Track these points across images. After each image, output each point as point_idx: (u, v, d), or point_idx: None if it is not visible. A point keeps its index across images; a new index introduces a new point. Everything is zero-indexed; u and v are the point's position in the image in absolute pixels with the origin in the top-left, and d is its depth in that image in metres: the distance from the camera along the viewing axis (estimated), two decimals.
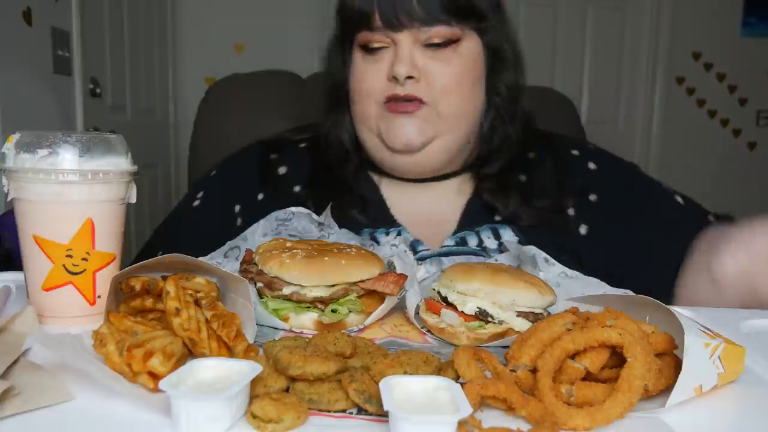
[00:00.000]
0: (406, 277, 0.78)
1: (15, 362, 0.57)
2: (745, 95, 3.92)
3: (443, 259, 0.98)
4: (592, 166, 1.14)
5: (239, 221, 1.13)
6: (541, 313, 0.74)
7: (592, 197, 1.10)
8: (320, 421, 0.51)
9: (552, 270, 0.89)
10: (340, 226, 1.00)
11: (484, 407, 0.54)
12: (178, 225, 1.18)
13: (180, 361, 0.55)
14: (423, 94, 1.00)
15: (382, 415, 0.51)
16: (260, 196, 1.14)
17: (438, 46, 1.00)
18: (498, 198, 1.07)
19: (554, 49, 3.88)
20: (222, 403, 0.48)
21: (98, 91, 2.75)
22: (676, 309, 0.62)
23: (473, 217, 1.08)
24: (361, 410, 0.53)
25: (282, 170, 1.16)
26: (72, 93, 2.52)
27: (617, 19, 3.93)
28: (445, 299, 0.75)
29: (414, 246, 1.05)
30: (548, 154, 1.15)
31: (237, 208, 1.15)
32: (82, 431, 0.49)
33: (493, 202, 1.07)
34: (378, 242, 1.03)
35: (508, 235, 1.04)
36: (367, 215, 1.08)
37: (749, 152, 3.97)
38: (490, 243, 1.04)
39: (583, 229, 1.08)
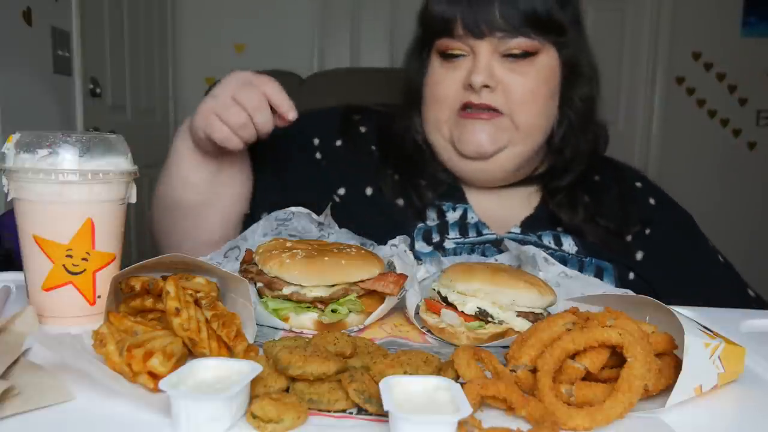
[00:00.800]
0: (406, 277, 0.78)
1: (15, 362, 0.57)
2: (745, 95, 3.92)
3: (443, 259, 0.99)
4: (652, 201, 1.17)
5: (318, 155, 1.14)
6: (541, 313, 0.74)
7: (648, 231, 1.12)
8: (320, 421, 0.51)
9: (552, 270, 0.89)
10: (404, 198, 1.04)
11: (484, 407, 0.54)
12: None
13: (180, 361, 0.55)
14: (498, 104, 1.01)
15: (382, 415, 0.51)
16: (338, 142, 1.15)
17: (516, 57, 1.00)
18: (564, 210, 1.08)
19: None
20: (222, 403, 0.48)
21: (98, 91, 2.75)
22: (676, 309, 0.62)
23: (537, 223, 1.09)
24: (361, 410, 0.53)
25: (363, 129, 1.18)
26: (72, 93, 2.52)
27: (617, 19, 3.93)
28: (445, 299, 0.75)
29: (479, 228, 1.06)
30: (614, 180, 1.17)
31: (316, 141, 1.15)
32: (82, 431, 0.49)
33: (559, 213, 1.08)
34: (445, 215, 1.06)
35: (568, 244, 1.05)
36: (436, 190, 1.09)
37: (749, 152, 3.97)
38: (551, 246, 1.06)
39: (639, 255, 1.10)
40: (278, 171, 1.09)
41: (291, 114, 0.95)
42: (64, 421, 0.50)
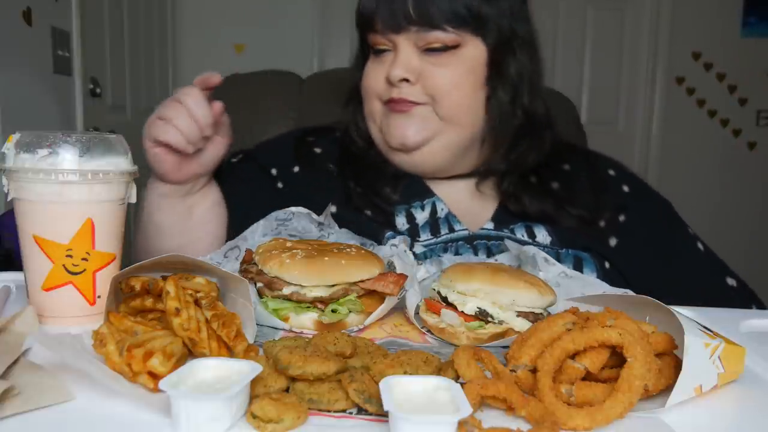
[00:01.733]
0: (406, 277, 0.78)
1: (15, 362, 0.57)
2: (745, 95, 3.92)
3: (443, 259, 0.98)
4: (626, 188, 1.16)
5: (279, 184, 1.14)
6: (541, 313, 0.74)
7: (621, 218, 1.12)
8: (320, 421, 0.51)
9: (552, 270, 0.89)
10: (371, 208, 1.04)
11: (484, 407, 0.54)
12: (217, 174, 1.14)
13: (180, 361, 0.55)
14: (417, 98, 1.02)
15: (382, 415, 0.51)
16: (296, 169, 1.16)
17: (437, 51, 1.01)
18: (524, 202, 1.07)
19: (554, 49, 3.88)
20: (222, 403, 0.48)
21: (98, 91, 2.75)
22: (676, 309, 0.62)
23: (507, 216, 1.08)
24: (361, 410, 0.53)
25: (317, 150, 1.19)
26: (72, 93, 2.51)
27: (617, 19, 3.93)
28: (445, 299, 0.75)
29: (450, 222, 1.06)
30: (585, 168, 1.17)
31: (274, 171, 1.16)
32: (82, 431, 0.49)
33: (518, 207, 1.08)
34: (415, 218, 1.06)
35: (542, 235, 1.05)
36: (400, 192, 1.09)
37: (749, 152, 3.97)
38: (525, 239, 1.05)
39: (612, 241, 1.09)
40: (248, 210, 1.07)
41: (214, 78, 0.98)
42: (64, 421, 0.50)
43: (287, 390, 0.54)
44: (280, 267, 0.74)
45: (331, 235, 0.95)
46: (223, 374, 0.52)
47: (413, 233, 1.05)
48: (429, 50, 1.01)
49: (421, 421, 0.47)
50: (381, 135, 1.08)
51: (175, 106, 0.96)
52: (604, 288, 0.86)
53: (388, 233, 1.03)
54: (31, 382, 0.53)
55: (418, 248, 1.02)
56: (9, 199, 0.71)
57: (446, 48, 1.00)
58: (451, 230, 1.05)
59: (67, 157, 0.69)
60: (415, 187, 1.10)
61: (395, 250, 0.87)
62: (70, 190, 0.69)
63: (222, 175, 1.12)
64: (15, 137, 0.71)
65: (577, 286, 0.86)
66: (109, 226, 0.72)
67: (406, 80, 1.01)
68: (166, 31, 3.58)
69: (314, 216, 0.97)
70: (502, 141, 1.08)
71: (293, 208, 0.97)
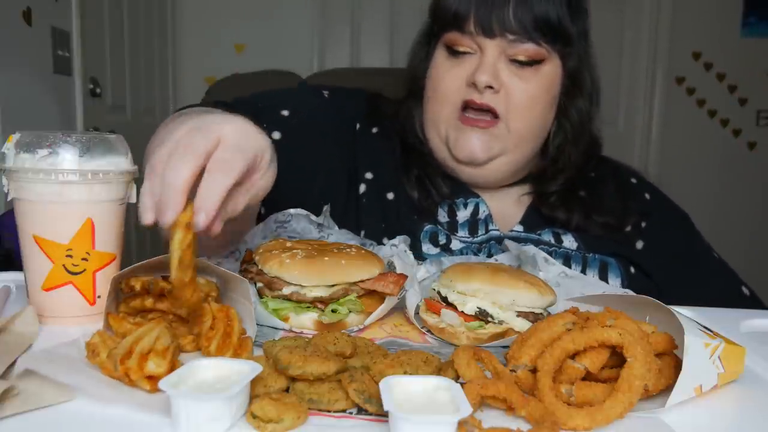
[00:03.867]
0: (406, 277, 0.78)
1: (14, 363, 0.57)
2: (745, 95, 3.91)
3: (443, 259, 0.98)
4: (647, 196, 1.18)
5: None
6: (541, 313, 0.74)
7: (644, 224, 1.13)
8: (320, 421, 0.51)
9: (552, 270, 0.89)
10: (420, 194, 1.05)
11: (484, 407, 0.54)
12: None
13: (174, 352, 0.55)
14: (498, 107, 1.01)
15: (382, 415, 0.51)
16: (374, 130, 1.15)
17: (522, 64, 1.00)
18: (558, 211, 1.09)
19: None
20: (222, 403, 0.48)
21: (98, 91, 2.74)
22: (676, 309, 0.62)
23: (535, 221, 1.09)
24: (361, 410, 0.53)
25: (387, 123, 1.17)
26: (72, 93, 2.51)
27: (617, 19, 3.93)
28: (445, 299, 0.75)
29: (488, 224, 1.07)
30: (610, 176, 1.17)
31: (358, 126, 1.15)
32: (82, 431, 0.49)
33: (552, 214, 1.09)
34: (456, 214, 1.07)
35: (569, 241, 1.06)
36: (449, 187, 1.09)
37: (749, 152, 3.96)
38: (552, 243, 1.06)
39: (639, 245, 1.11)
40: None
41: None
42: (64, 421, 0.50)
43: (287, 390, 0.54)
44: (280, 267, 0.74)
45: (331, 236, 0.95)
46: (223, 374, 0.52)
47: (451, 228, 1.06)
48: (513, 61, 1.00)
49: (421, 421, 0.47)
50: (443, 144, 1.06)
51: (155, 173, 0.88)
52: (604, 288, 0.86)
53: (427, 227, 1.03)
54: (31, 382, 0.53)
55: (456, 244, 1.03)
56: (9, 199, 0.71)
57: (530, 62, 1.00)
58: (486, 231, 1.07)
59: (67, 157, 0.69)
60: (463, 185, 1.11)
61: (395, 250, 0.87)
62: (70, 190, 0.69)
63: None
64: (15, 137, 0.71)
65: (577, 286, 0.86)
66: (109, 226, 0.72)
67: (490, 87, 1.00)
68: (166, 31, 3.57)
69: (313, 217, 0.97)
70: (573, 161, 1.09)
71: (291, 210, 0.96)
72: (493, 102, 1.00)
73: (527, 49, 0.99)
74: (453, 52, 1.03)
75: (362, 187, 1.08)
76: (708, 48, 3.89)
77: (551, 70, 1.03)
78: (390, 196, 1.07)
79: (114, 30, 2.93)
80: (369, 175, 1.08)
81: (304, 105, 1.12)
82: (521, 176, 1.12)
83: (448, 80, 1.03)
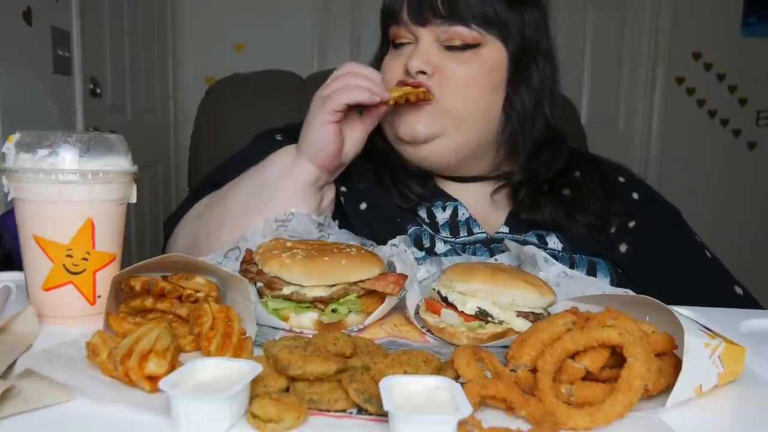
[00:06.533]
0: (406, 277, 0.78)
1: (14, 363, 0.58)
2: (745, 95, 3.91)
3: (443, 259, 0.99)
4: (635, 195, 1.17)
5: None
6: (541, 313, 0.74)
7: (631, 224, 1.13)
8: (320, 421, 0.51)
9: (552, 270, 0.89)
10: (399, 195, 1.05)
11: (484, 407, 0.54)
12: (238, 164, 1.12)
13: (174, 352, 0.55)
14: (434, 88, 1.02)
15: (382, 415, 0.51)
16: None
17: (458, 48, 1.01)
18: (535, 213, 1.08)
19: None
20: (222, 403, 0.48)
21: (98, 91, 2.75)
22: (676, 309, 0.62)
23: (517, 224, 1.09)
24: (361, 410, 0.53)
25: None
26: (72, 93, 2.51)
27: (617, 19, 3.93)
28: (445, 299, 0.75)
29: (470, 225, 1.07)
30: (595, 175, 1.17)
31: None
32: (82, 431, 0.49)
33: (530, 217, 1.08)
34: (435, 216, 1.07)
35: (553, 242, 1.06)
36: (424, 189, 1.10)
37: (749, 152, 3.96)
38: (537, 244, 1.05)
39: (623, 248, 1.10)
40: None
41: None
42: (64, 421, 0.50)
43: (287, 390, 0.54)
44: (280, 267, 0.74)
45: (331, 236, 0.95)
46: (223, 374, 0.52)
47: (434, 228, 1.07)
48: (450, 48, 1.02)
49: (421, 421, 0.47)
50: (391, 127, 1.08)
51: (342, 77, 0.98)
52: (604, 288, 0.86)
53: (411, 229, 1.03)
54: (31, 382, 0.53)
55: (441, 246, 1.03)
56: (9, 199, 0.71)
57: (467, 47, 1.01)
58: (470, 233, 1.06)
59: (67, 157, 0.69)
60: (438, 190, 1.11)
61: (395, 250, 0.87)
62: (70, 190, 0.69)
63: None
64: (15, 137, 0.71)
65: (577, 286, 0.86)
66: (109, 226, 0.72)
67: (423, 72, 1.02)
68: (166, 31, 3.58)
69: (314, 217, 0.97)
70: (522, 148, 1.08)
71: (292, 209, 0.97)
72: (427, 83, 1.02)
73: (459, 32, 1.01)
74: (395, 45, 1.07)
75: (342, 200, 1.08)
76: (708, 48, 3.90)
77: (492, 54, 1.03)
78: (363, 206, 1.07)
79: (114, 30, 2.93)
80: (343, 189, 1.09)
81: (269, 152, 1.12)
82: (483, 170, 1.12)
83: (388, 71, 1.07)
